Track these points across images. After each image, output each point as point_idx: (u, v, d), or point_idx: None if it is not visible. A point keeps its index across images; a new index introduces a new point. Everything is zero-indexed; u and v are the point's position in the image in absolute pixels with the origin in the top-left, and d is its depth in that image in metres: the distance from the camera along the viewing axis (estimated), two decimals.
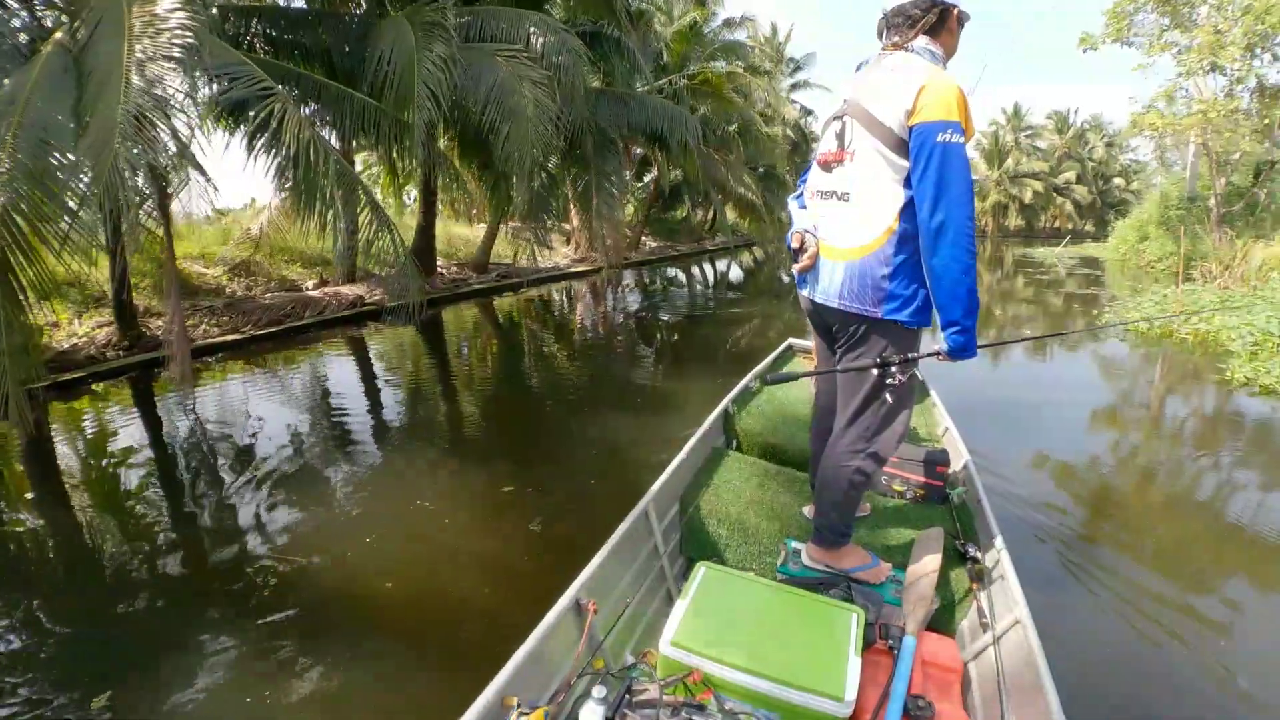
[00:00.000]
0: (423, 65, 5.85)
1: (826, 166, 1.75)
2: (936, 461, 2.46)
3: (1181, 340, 7.33)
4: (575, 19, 9.27)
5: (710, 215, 19.61)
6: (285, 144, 4.66)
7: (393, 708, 1.96)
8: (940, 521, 2.21)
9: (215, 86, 4.66)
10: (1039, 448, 4.13)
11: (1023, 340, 3.06)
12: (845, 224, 1.68)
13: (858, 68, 1.77)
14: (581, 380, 5.89)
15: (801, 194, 1.94)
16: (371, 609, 2.39)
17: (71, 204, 3.41)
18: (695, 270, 16.57)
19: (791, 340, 4.31)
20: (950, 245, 1.49)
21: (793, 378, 1.87)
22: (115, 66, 3.66)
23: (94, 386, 5.14)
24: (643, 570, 1.91)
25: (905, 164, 1.55)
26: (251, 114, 4.77)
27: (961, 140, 1.48)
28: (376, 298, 8.29)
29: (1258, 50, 11.25)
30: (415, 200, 10.88)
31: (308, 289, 8.56)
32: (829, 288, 1.72)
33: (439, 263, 10.87)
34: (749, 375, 3.46)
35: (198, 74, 4.18)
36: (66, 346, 5.61)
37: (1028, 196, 37.83)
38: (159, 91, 3.76)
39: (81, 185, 3.47)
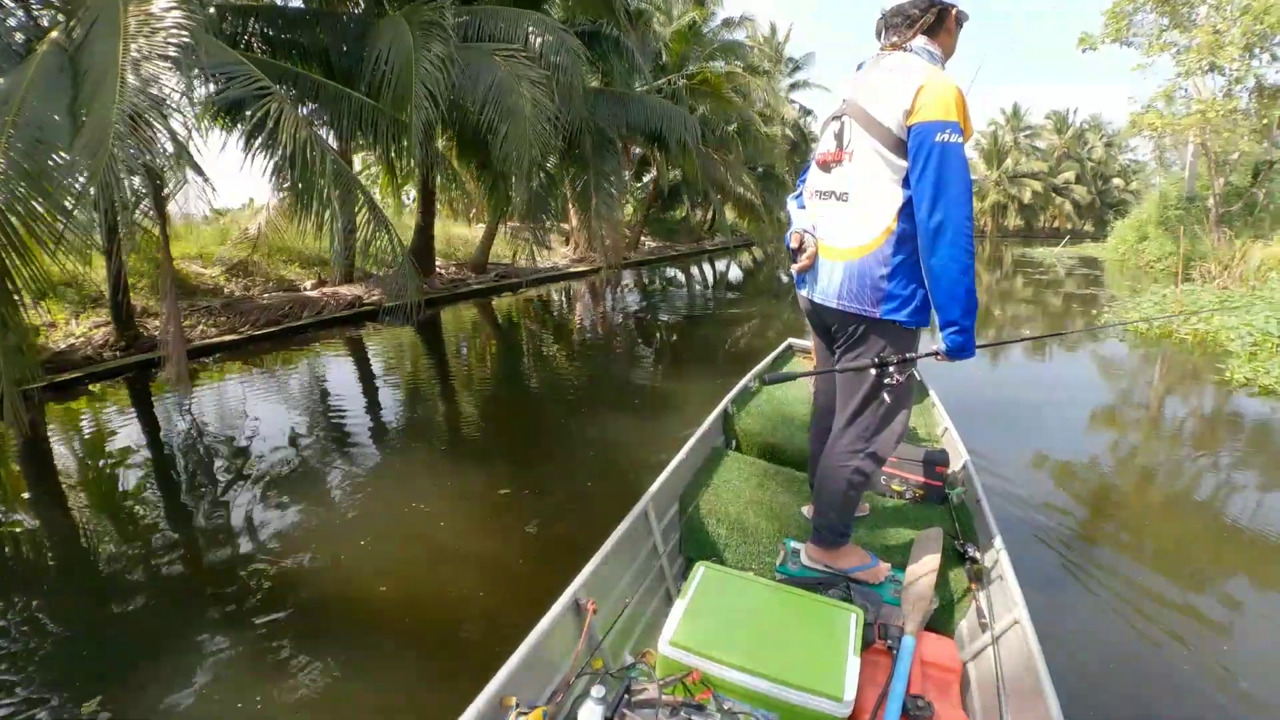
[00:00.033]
0: (421, 65, 5.84)
1: (825, 166, 1.75)
2: (935, 461, 2.46)
3: (1181, 340, 7.34)
4: (574, 18, 9.26)
5: (709, 215, 19.57)
6: (282, 144, 4.64)
7: (391, 708, 1.96)
8: (939, 521, 2.21)
9: (212, 86, 4.64)
10: (1038, 448, 4.13)
11: (1022, 340, 3.06)
12: (844, 224, 1.68)
13: (857, 68, 1.77)
14: (580, 380, 5.89)
15: (800, 194, 1.94)
16: (369, 610, 2.39)
17: (67, 204, 3.39)
18: (694, 270, 16.57)
19: (791, 340, 4.31)
20: (949, 245, 1.49)
21: (792, 378, 1.88)
22: (111, 66, 3.65)
23: (91, 387, 5.13)
24: (642, 570, 1.91)
25: (904, 164, 1.55)
26: (248, 113, 4.75)
27: (960, 140, 1.48)
28: (375, 298, 8.26)
29: (1256, 50, 11.30)
30: (413, 200, 10.86)
31: (306, 289, 8.54)
32: (828, 288, 1.72)
33: (437, 263, 10.85)
34: (748, 375, 3.46)
35: (194, 73, 4.16)
36: (63, 347, 5.59)
37: (1027, 196, 37.89)
38: (155, 91, 3.74)
39: (77, 185, 3.46)
